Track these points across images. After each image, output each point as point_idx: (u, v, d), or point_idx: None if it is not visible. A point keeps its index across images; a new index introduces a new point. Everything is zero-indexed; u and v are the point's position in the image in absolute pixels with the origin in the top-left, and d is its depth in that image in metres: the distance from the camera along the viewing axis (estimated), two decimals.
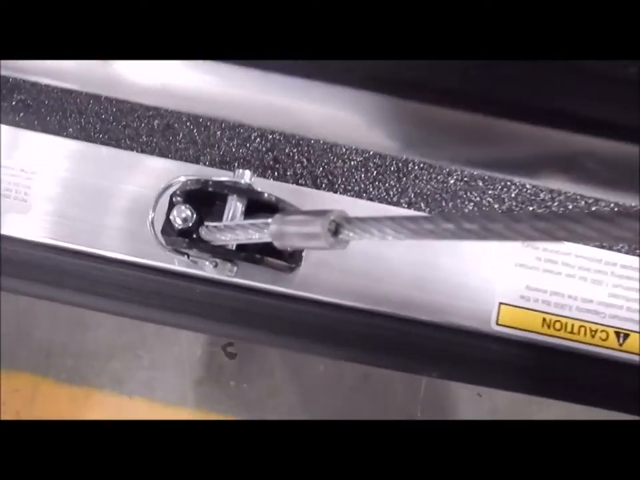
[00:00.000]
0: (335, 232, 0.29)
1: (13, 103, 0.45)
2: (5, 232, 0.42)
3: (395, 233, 0.26)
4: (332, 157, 0.45)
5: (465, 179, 0.44)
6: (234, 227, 0.35)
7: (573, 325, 0.41)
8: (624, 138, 0.24)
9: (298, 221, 0.30)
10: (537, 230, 0.21)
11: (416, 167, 0.45)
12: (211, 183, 0.38)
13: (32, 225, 0.42)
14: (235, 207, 0.38)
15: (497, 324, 0.41)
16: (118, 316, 0.47)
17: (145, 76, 0.25)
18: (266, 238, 0.33)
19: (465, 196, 0.44)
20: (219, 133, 0.45)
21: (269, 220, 0.32)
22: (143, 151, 0.44)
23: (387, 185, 0.44)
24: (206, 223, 0.37)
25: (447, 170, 0.45)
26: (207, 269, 0.39)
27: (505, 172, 0.28)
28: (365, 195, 0.44)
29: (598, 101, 0.25)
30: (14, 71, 0.31)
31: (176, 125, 0.45)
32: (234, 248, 0.37)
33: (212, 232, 0.36)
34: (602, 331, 0.41)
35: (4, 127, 0.43)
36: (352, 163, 0.45)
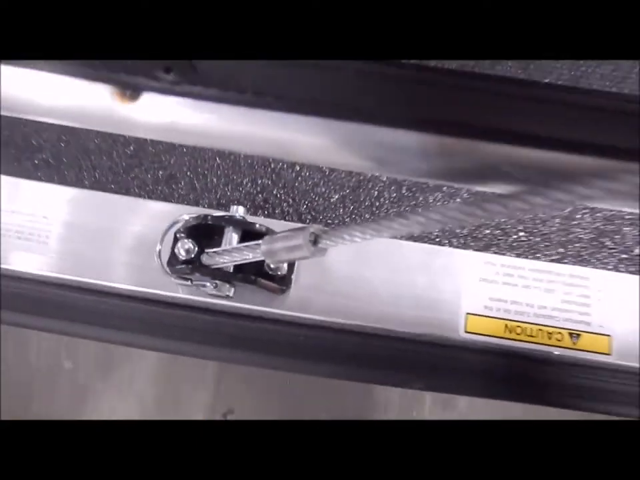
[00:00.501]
0: (315, 242, 0.35)
1: (36, 161, 0.52)
2: (28, 270, 0.48)
3: (361, 235, 0.32)
4: (314, 196, 0.52)
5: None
6: (231, 250, 0.41)
7: (531, 329, 0.47)
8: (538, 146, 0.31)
9: (283, 236, 0.37)
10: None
11: (387, 202, 0.52)
12: (209, 217, 0.45)
13: (53, 263, 0.48)
14: (231, 236, 0.44)
15: (465, 332, 0.47)
16: (125, 346, 0.52)
17: (153, 114, 0.32)
18: (259, 257, 0.39)
19: None
20: (215, 179, 0.52)
21: (260, 241, 0.38)
22: (149, 198, 0.51)
23: (362, 217, 0.51)
24: (206, 250, 0.43)
25: (414, 202, 0.51)
26: (208, 289, 0.44)
27: (462, 182, 0.35)
28: None
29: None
30: (35, 115, 0.36)
31: (178, 174, 0.52)
32: (231, 270, 0.43)
33: (212, 257, 0.42)
34: (557, 332, 0.46)
35: (28, 181, 0.50)
36: (331, 200, 0.52)
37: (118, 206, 0.49)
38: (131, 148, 0.53)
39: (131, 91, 0.31)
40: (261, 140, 0.32)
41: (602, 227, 0.52)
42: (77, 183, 0.50)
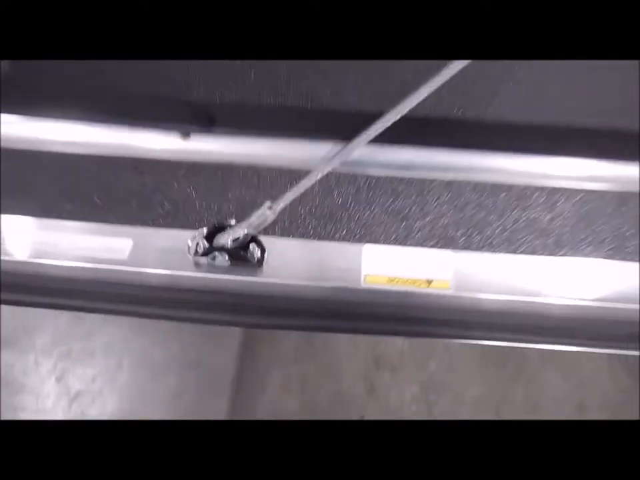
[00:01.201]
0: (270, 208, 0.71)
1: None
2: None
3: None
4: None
5: None
6: (232, 228, 0.76)
7: (405, 280, 0.80)
8: None
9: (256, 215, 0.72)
10: None
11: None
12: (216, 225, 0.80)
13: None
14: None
15: (364, 283, 0.80)
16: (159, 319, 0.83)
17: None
18: (244, 232, 0.74)
19: None
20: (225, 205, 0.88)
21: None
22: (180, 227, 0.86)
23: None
24: (215, 239, 0.78)
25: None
26: (217, 261, 0.78)
27: None
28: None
29: None
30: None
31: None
32: (230, 243, 0.77)
33: (219, 237, 0.77)
34: (419, 280, 0.80)
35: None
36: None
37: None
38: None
39: None
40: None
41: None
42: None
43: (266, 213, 0.72)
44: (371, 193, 0.82)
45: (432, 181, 0.80)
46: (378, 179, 0.82)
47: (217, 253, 0.78)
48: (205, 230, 0.79)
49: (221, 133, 0.69)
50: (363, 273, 0.81)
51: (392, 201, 0.83)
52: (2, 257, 0.80)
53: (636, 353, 0.80)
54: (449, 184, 0.81)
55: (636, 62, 0.82)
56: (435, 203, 0.82)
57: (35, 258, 0.80)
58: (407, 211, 0.84)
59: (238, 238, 0.76)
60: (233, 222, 0.81)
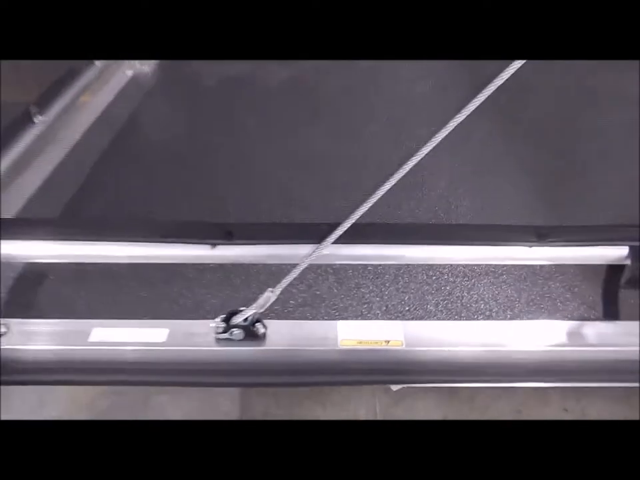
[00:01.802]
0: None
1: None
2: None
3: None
4: None
5: None
6: (244, 311, 1.07)
7: (368, 341, 1.11)
8: None
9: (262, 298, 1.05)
10: None
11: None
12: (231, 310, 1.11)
13: None
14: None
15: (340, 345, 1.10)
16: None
17: None
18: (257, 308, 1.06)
19: None
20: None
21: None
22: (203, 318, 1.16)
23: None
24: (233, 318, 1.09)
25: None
26: (234, 335, 1.08)
27: None
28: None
29: None
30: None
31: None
32: (242, 322, 1.07)
33: (235, 318, 1.08)
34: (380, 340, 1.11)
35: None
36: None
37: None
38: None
39: None
40: None
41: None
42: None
43: (269, 295, 1.04)
44: (338, 284, 1.16)
45: (384, 268, 1.14)
46: (343, 274, 1.16)
47: (234, 330, 1.08)
48: (222, 316, 1.10)
49: (238, 243, 1.03)
50: (339, 338, 1.11)
51: (355, 288, 1.16)
52: (68, 347, 1.08)
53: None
54: (397, 269, 1.16)
55: None
56: (388, 286, 1.16)
57: (101, 346, 1.08)
58: (367, 294, 1.17)
59: (248, 317, 1.07)
60: (242, 308, 1.12)
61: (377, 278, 1.16)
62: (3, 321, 1.10)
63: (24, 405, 2.06)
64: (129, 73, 2.06)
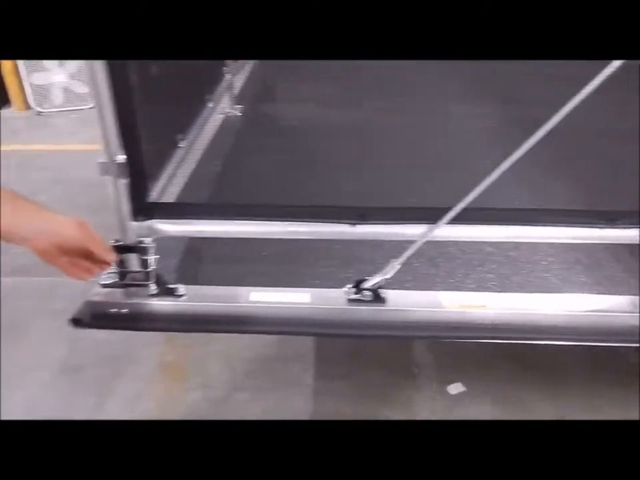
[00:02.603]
0: None
1: None
2: None
3: None
4: None
5: None
6: (373, 277, 1.38)
7: (468, 305, 1.40)
8: None
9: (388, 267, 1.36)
10: None
11: None
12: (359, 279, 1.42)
13: None
14: None
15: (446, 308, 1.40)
16: None
17: None
18: (383, 275, 1.37)
19: None
20: None
21: None
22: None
23: None
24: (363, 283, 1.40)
25: None
26: (364, 296, 1.38)
27: None
28: None
29: None
30: None
31: None
32: (370, 286, 1.38)
33: (365, 283, 1.39)
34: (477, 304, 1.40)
35: None
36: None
37: None
38: None
39: None
40: None
41: None
42: None
43: (393, 265, 1.35)
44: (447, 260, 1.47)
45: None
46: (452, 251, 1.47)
47: (365, 291, 1.39)
48: (353, 282, 1.42)
49: (370, 223, 1.34)
50: (445, 303, 1.41)
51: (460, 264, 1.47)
52: (234, 304, 1.39)
53: None
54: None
55: None
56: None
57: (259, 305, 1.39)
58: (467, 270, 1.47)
59: (376, 283, 1.38)
60: (367, 277, 1.43)
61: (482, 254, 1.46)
62: (182, 286, 1.42)
63: (118, 399, 2.36)
64: None
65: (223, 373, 2.49)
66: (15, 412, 2.23)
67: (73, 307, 1.39)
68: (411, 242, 1.32)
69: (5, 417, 2.00)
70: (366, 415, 2.31)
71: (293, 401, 2.41)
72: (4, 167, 4.17)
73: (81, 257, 1.05)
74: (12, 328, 2.66)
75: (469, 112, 2.37)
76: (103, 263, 1.11)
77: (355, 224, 1.34)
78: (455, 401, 2.43)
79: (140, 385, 2.45)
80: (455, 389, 2.46)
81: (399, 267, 1.35)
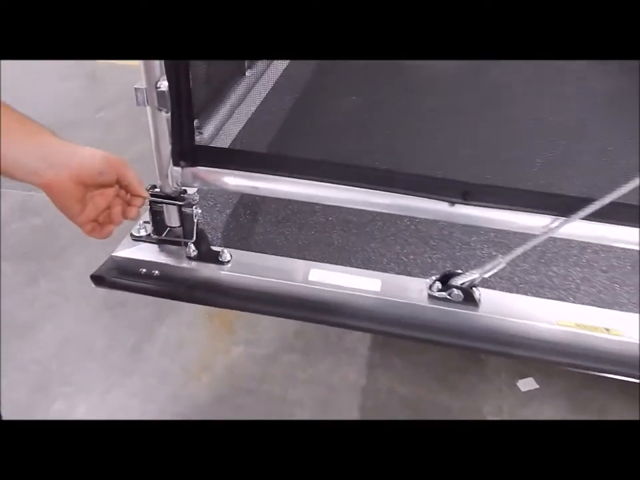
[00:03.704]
0: None
1: None
2: None
3: None
4: None
5: None
6: (467, 273, 1.07)
7: (587, 326, 1.07)
8: None
9: (491, 263, 1.04)
10: None
11: None
12: (448, 271, 1.11)
13: None
14: None
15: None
16: None
17: None
18: (482, 272, 1.05)
19: None
20: None
21: None
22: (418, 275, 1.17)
23: None
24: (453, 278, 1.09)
25: None
26: (453, 295, 1.08)
27: None
28: None
29: None
30: None
31: None
32: (461, 284, 1.07)
33: (454, 280, 1.08)
34: (599, 327, 1.07)
35: None
36: None
37: None
38: None
39: None
40: None
41: None
42: None
43: (499, 261, 1.02)
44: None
45: None
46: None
47: (454, 290, 1.08)
48: (437, 276, 1.10)
49: (474, 204, 1.01)
50: (556, 318, 1.08)
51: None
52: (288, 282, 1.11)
53: None
54: None
55: None
56: None
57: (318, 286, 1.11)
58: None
59: (470, 280, 1.07)
60: (459, 271, 1.11)
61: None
62: (228, 250, 1.15)
63: (158, 344, 2.18)
64: None
65: (271, 329, 2.30)
66: (51, 345, 2.14)
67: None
68: (525, 235, 1.00)
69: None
70: (421, 399, 2.09)
71: (344, 371, 2.20)
72: (74, 77, 3.99)
73: (106, 201, 0.82)
74: (54, 256, 2.52)
75: None
76: (134, 204, 0.86)
77: (454, 202, 1.01)
78: (525, 398, 2.14)
79: (183, 331, 2.29)
80: (526, 385, 2.15)
81: (504, 264, 1.02)
